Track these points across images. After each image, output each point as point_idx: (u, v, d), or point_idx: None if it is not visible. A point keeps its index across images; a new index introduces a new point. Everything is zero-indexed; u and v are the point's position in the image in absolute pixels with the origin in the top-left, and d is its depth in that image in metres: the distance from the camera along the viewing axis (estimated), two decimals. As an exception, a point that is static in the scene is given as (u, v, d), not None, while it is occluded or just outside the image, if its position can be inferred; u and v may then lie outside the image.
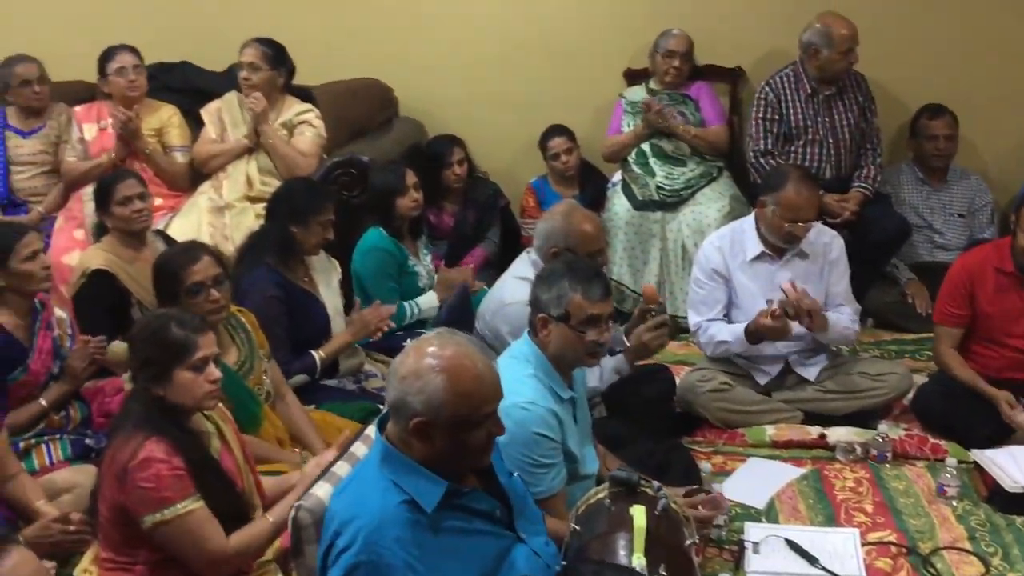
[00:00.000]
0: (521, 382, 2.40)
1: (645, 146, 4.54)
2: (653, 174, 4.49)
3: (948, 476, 3.05)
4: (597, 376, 3.06)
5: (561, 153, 4.66)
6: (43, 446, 3.04)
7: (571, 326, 2.45)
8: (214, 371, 2.37)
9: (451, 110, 4.92)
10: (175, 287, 2.86)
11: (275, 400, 3.10)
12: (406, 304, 3.77)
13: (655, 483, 2.26)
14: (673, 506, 2.24)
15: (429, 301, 3.82)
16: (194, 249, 2.99)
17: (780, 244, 3.39)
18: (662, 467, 2.89)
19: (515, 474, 2.12)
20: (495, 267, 4.32)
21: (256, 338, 3.08)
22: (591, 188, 4.69)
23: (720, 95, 4.71)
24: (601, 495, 2.24)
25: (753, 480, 3.16)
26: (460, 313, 3.51)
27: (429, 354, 1.87)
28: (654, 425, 3.23)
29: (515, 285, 3.12)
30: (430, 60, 4.90)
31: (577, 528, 2.17)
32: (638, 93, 4.63)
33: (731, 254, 3.45)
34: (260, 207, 4.08)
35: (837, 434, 3.35)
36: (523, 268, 3.18)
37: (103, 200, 3.50)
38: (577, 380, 2.60)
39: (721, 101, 4.69)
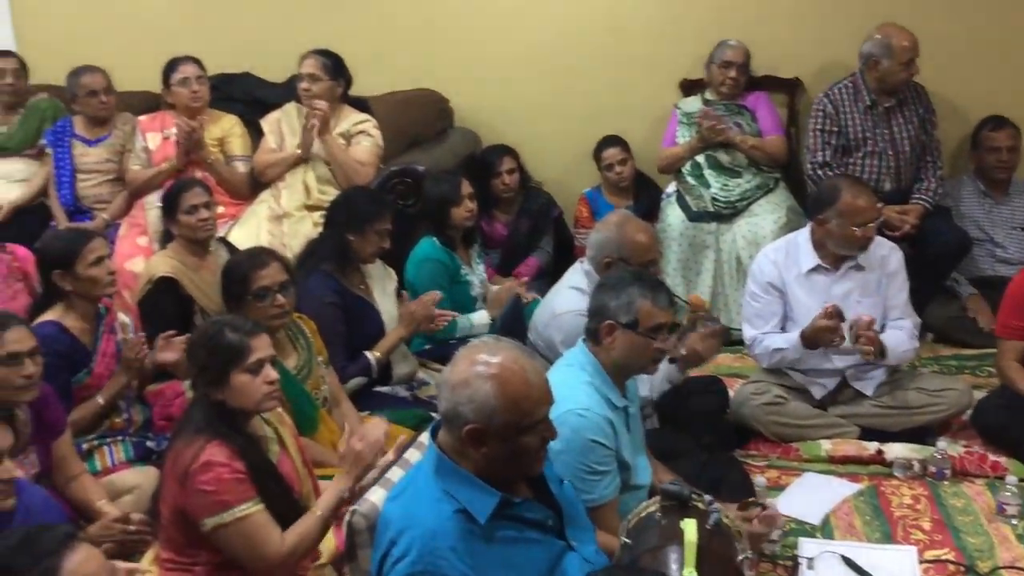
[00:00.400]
0: (576, 389, 2.41)
1: (700, 157, 4.52)
2: (708, 185, 4.47)
3: (1008, 494, 2.99)
4: (648, 385, 3.06)
5: (615, 164, 4.66)
6: (105, 448, 3.10)
7: (639, 333, 2.47)
8: (270, 372, 2.41)
9: (506, 120, 4.95)
10: (243, 291, 2.92)
11: (332, 406, 3.14)
12: (460, 319, 3.79)
13: (707, 496, 2.24)
14: (725, 520, 2.22)
15: (481, 318, 3.85)
16: (263, 255, 3.06)
17: (855, 252, 3.35)
18: (715, 480, 2.87)
19: (565, 481, 2.12)
20: (548, 277, 4.33)
21: (315, 344, 3.13)
22: (645, 199, 4.68)
23: (778, 106, 4.68)
24: (652, 508, 2.23)
25: (808, 495, 3.13)
26: (513, 323, 3.52)
27: (478, 362, 1.89)
28: (707, 438, 3.21)
29: (568, 295, 3.13)
30: (486, 71, 4.94)
31: (628, 542, 2.16)
32: (694, 104, 4.61)
33: (786, 267, 3.42)
34: (318, 215, 4.15)
35: (894, 450, 3.30)
36: (576, 278, 3.19)
37: (170, 208, 3.57)
38: (631, 390, 2.61)
39: (779, 112, 4.66)
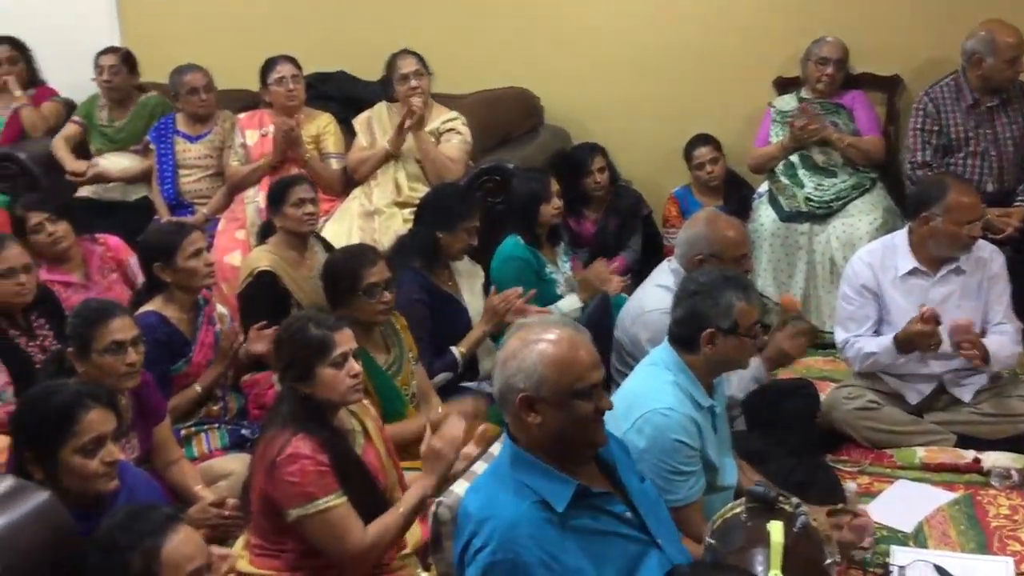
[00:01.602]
0: (661, 389, 2.39)
1: (794, 156, 4.43)
2: (802, 185, 4.38)
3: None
4: (734, 384, 3.02)
5: (706, 163, 4.61)
6: (202, 434, 3.21)
7: (740, 334, 2.45)
8: (354, 365, 2.46)
9: (596, 118, 4.93)
10: (351, 287, 2.98)
11: (420, 402, 3.18)
12: (548, 309, 3.79)
13: (794, 499, 2.21)
14: (813, 524, 2.18)
15: (571, 304, 3.82)
16: (368, 252, 3.12)
17: (958, 253, 3.25)
18: (804, 485, 2.81)
19: (647, 480, 2.12)
20: (636, 275, 4.30)
21: (406, 340, 3.18)
22: (735, 198, 4.62)
23: (876, 104, 4.56)
24: (738, 510, 2.20)
25: (901, 503, 3.05)
26: (600, 318, 3.50)
27: (522, 336, 1.93)
28: (796, 441, 3.16)
29: (656, 293, 3.11)
30: (576, 69, 4.93)
31: (713, 542, 2.14)
32: (789, 102, 4.53)
33: (882, 269, 3.34)
34: (408, 212, 4.21)
35: (992, 459, 3.19)
36: (664, 277, 3.17)
37: (277, 201, 3.63)
38: (718, 390, 2.58)
39: (876, 110, 4.54)
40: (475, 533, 1.85)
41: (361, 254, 3.10)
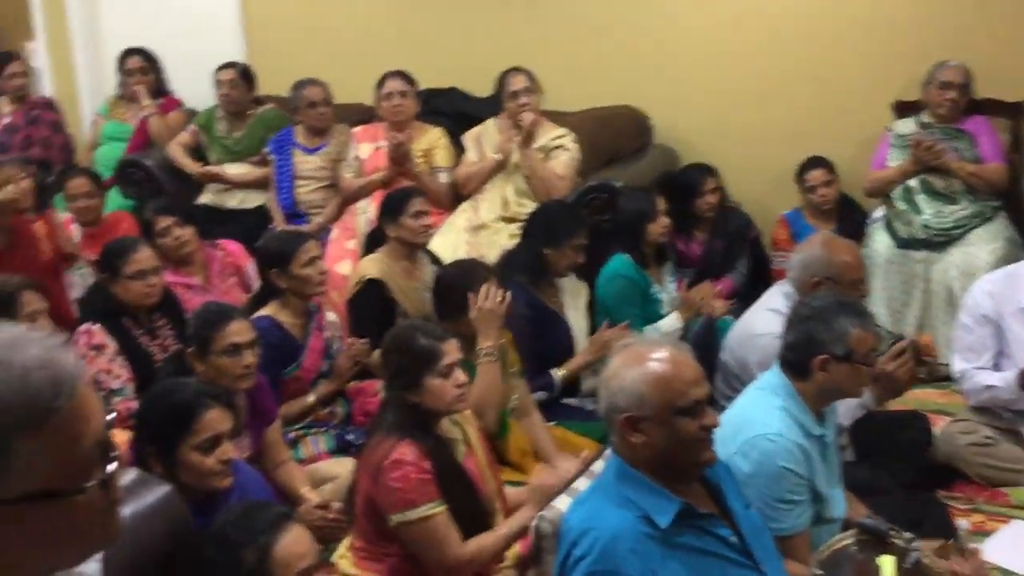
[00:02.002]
0: (769, 414, 2.35)
1: (913, 182, 4.30)
2: (919, 211, 4.25)
3: None
4: (840, 410, 2.94)
5: (819, 186, 4.52)
6: (309, 438, 3.28)
7: (855, 362, 2.39)
8: (460, 376, 2.49)
9: (705, 138, 4.88)
10: (463, 301, 3.01)
11: (521, 415, 3.19)
12: (647, 329, 3.77)
13: (906, 534, 2.14)
14: (926, 561, 2.11)
15: (671, 323, 3.80)
16: (482, 269, 3.16)
17: None
18: (914, 520, 2.70)
19: (752, 506, 2.08)
20: (742, 299, 4.24)
21: (509, 356, 3.19)
22: (849, 223, 4.50)
23: (999, 131, 4.40)
24: (847, 542, 2.15)
25: (1017, 544, 2.92)
26: (705, 340, 3.47)
27: (622, 357, 1.93)
28: (907, 475, 3.06)
29: (766, 316, 3.06)
30: (688, 88, 4.90)
31: (820, 574, 2.09)
32: (908, 126, 4.40)
33: (1004, 300, 3.21)
34: (515, 227, 4.24)
35: (1119, 503, 3.04)
36: (775, 300, 3.12)
37: (395, 211, 3.68)
38: (828, 418, 2.52)
39: (1000, 137, 4.37)
40: (575, 543, 1.86)
41: (473, 270, 3.14)
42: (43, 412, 0.96)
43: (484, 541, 2.42)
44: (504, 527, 2.45)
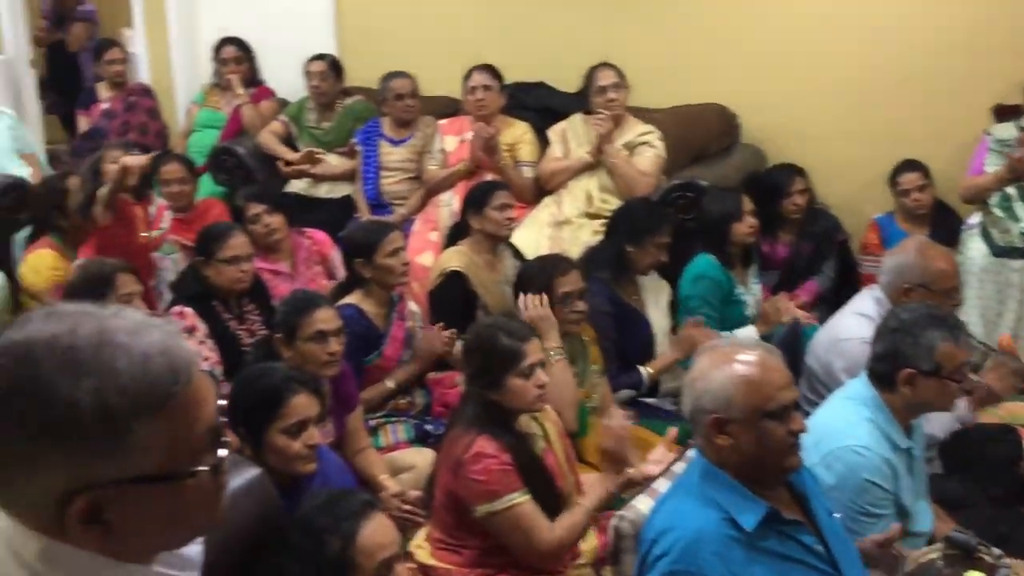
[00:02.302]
0: (856, 425, 2.31)
1: (1011, 188, 4.15)
2: (1018, 219, 4.10)
3: None
4: (936, 423, 2.87)
5: (913, 190, 4.40)
6: (389, 426, 3.32)
7: (943, 377, 2.33)
8: (542, 376, 2.49)
9: (795, 138, 4.80)
10: (548, 293, 3.01)
11: (602, 414, 3.17)
12: (724, 335, 3.72)
13: (995, 550, 2.08)
14: (1016, 579, 2.06)
15: (748, 334, 3.75)
16: (563, 262, 3.15)
17: None
18: (1003, 536, 2.63)
19: (836, 515, 2.05)
20: (828, 303, 4.16)
21: (592, 353, 3.19)
22: (943, 229, 4.37)
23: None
24: (934, 555, 2.10)
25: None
26: (790, 344, 3.41)
27: (709, 358, 1.91)
28: (997, 489, 2.96)
29: (854, 321, 3.00)
30: (777, 87, 4.82)
31: (905, 587, 2.05)
32: (1008, 131, 4.25)
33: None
34: (598, 223, 4.23)
35: None
36: (864, 304, 3.06)
37: (479, 203, 3.70)
38: (916, 430, 2.46)
39: (1104, 144, 4.21)
40: (655, 542, 1.85)
41: (555, 263, 3.14)
42: (162, 396, 0.99)
43: (572, 519, 2.43)
44: (587, 498, 2.46)
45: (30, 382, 0.96)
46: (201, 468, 1.04)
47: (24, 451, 0.97)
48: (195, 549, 1.18)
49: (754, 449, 1.85)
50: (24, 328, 1.00)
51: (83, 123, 5.65)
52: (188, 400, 1.01)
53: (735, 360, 1.88)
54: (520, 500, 2.37)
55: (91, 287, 2.95)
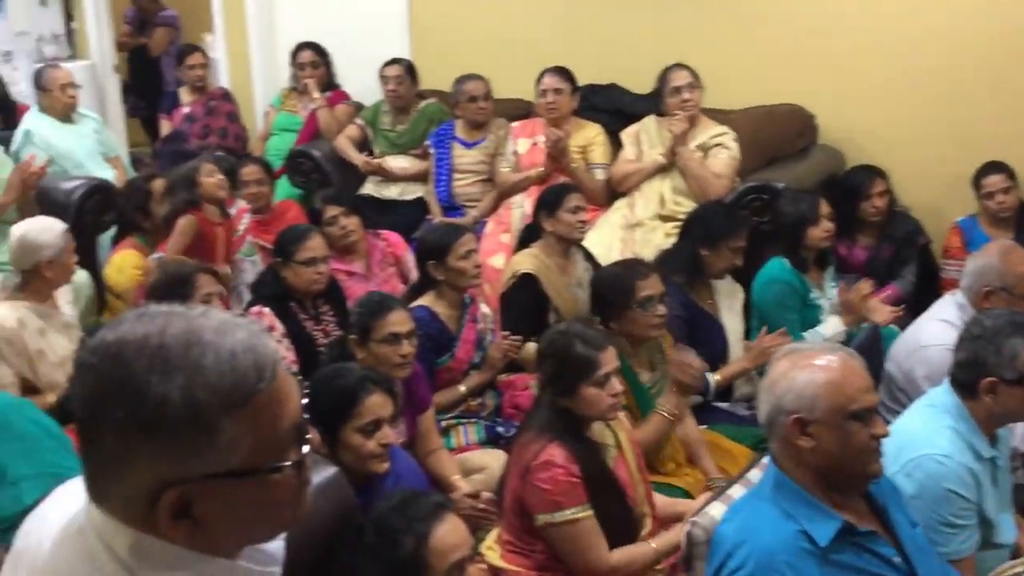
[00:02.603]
0: (938, 433, 2.25)
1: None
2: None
3: None
4: (1018, 433, 2.78)
5: (997, 192, 4.27)
6: (461, 427, 3.34)
7: None
8: (616, 385, 2.47)
9: (874, 139, 4.69)
10: (626, 300, 2.97)
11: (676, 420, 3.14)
12: (807, 335, 3.66)
13: (1083, 565, 2.02)
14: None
15: (834, 327, 3.66)
16: (641, 266, 3.11)
17: None
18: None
19: (918, 526, 2.00)
20: (908, 308, 4.06)
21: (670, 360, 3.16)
22: (1028, 232, 4.25)
23: None
24: (1019, 569, 2.05)
25: None
26: (869, 349, 3.34)
27: (789, 360, 1.88)
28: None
29: (936, 328, 2.93)
30: (857, 86, 4.71)
31: (988, 601, 2.00)
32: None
33: None
34: (670, 226, 4.20)
35: None
36: (947, 310, 2.98)
37: (552, 205, 3.69)
38: (1001, 439, 2.39)
39: None
40: (730, 555, 1.83)
41: (635, 267, 3.09)
42: (247, 393, 1.01)
43: (633, 553, 2.41)
44: (656, 541, 2.44)
45: (122, 380, 0.99)
46: (285, 464, 1.06)
47: (117, 447, 1.00)
48: (277, 545, 1.20)
49: (837, 451, 1.82)
50: (117, 328, 1.04)
51: (165, 127, 5.80)
52: (272, 397, 1.04)
53: (818, 361, 1.86)
54: (581, 516, 2.35)
55: (172, 287, 3.03)
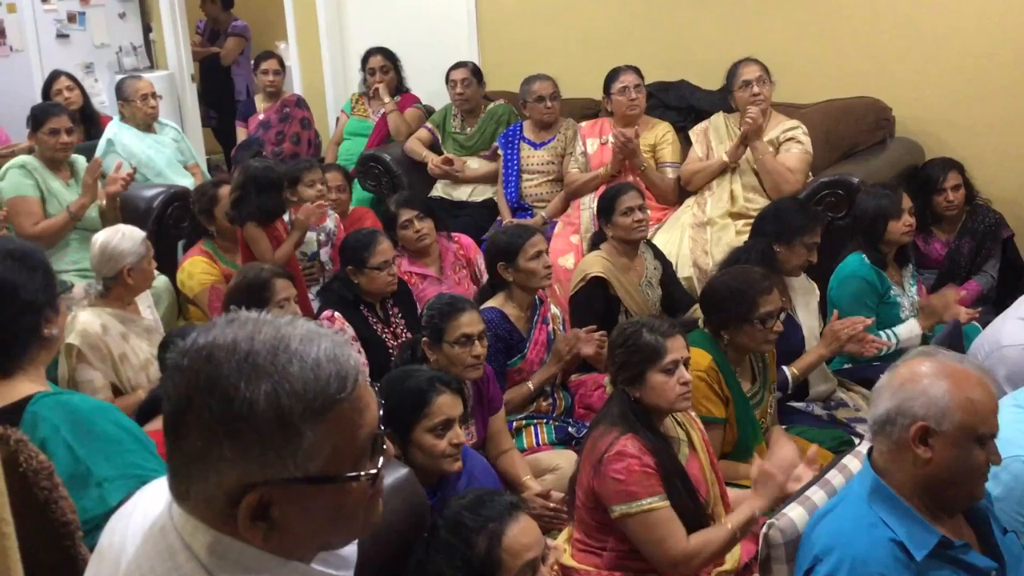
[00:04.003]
0: (1024, 434, 2.18)
1: None
2: None
3: None
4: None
5: (1084, 183, 4.13)
6: (531, 428, 3.34)
7: None
8: (684, 373, 2.46)
9: (954, 131, 4.57)
10: (746, 313, 2.88)
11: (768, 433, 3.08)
12: (883, 332, 3.58)
13: None
14: None
15: (910, 330, 3.58)
16: (765, 279, 2.96)
17: None
18: None
19: (1010, 532, 1.94)
20: (991, 303, 3.95)
21: (771, 373, 3.10)
22: (1119, 224, 4.10)
23: None
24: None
25: None
26: (950, 347, 3.24)
27: (925, 364, 1.80)
28: None
29: (1016, 326, 2.84)
30: (935, 77, 4.59)
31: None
32: None
33: None
34: (742, 224, 4.14)
35: None
36: (1028, 308, 2.89)
37: (607, 210, 3.71)
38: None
39: None
40: (819, 560, 1.79)
41: (758, 281, 2.96)
42: (329, 401, 1.04)
43: (710, 535, 2.38)
44: (731, 519, 2.40)
45: (211, 382, 1.03)
46: (363, 473, 1.08)
47: (202, 447, 1.04)
48: (350, 549, 1.22)
49: (951, 468, 1.76)
50: (209, 333, 1.08)
51: (241, 134, 5.93)
52: (353, 407, 1.07)
53: (958, 373, 1.78)
54: (658, 505, 2.34)
55: (250, 292, 3.09)
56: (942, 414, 1.75)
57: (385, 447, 1.11)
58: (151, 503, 1.18)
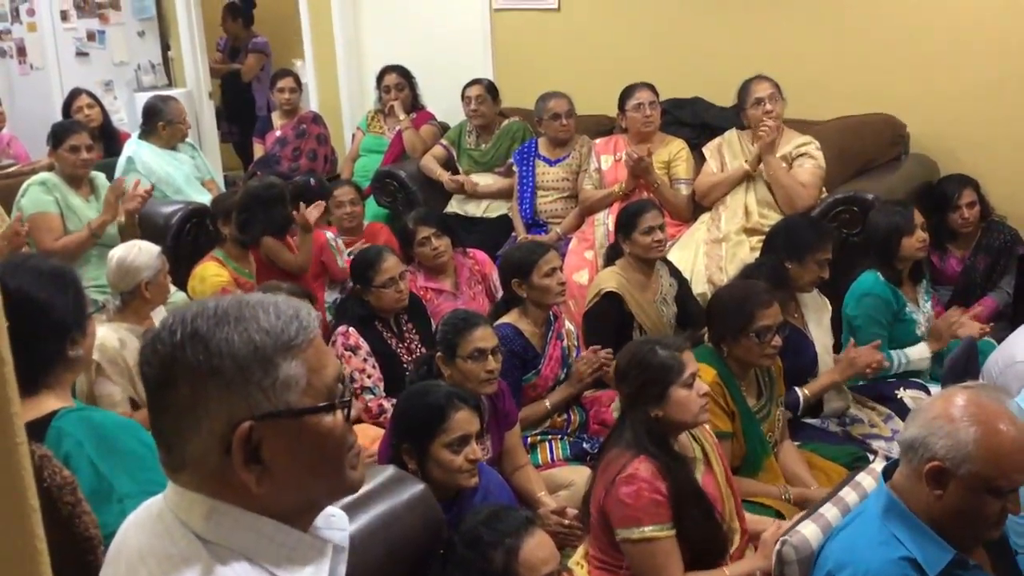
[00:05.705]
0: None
1: None
2: None
3: None
4: None
5: (1099, 200, 4.13)
6: (546, 444, 3.35)
7: None
8: (702, 385, 2.47)
9: (969, 148, 4.55)
10: (744, 326, 2.88)
11: (777, 443, 3.09)
12: (893, 353, 3.57)
13: None
14: None
15: (920, 352, 3.58)
16: (766, 293, 2.97)
17: None
18: None
19: (1019, 554, 1.94)
20: (1006, 320, 3.94)
21: (778, 387, 3.09)
22: None
23: None
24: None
25: None
26: (964, 365, 3.25)
27: (966, 402, 1.78)
28: None
29: (1032, 342, 2.85)
30: (949, 93, 4.58)
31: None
32: None
33: None
34: (756, 240, 4.15)
35: None
36: (1045, 325, 2.89)
37: (627, 227, 3.70)
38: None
39: None
40: (832, 575, 1.80)
41: (757, 294, 2.96)
42: (297, 340, 1.16)
43: None
44: (731, 568, 2.40)
45: (191, 337, 1.14)
46: (334, 403, 1.18)
47: (191, 393, 1.13)
48: (339, 535, 1.26)
49: (960, 511, 1.77)
50: (174, 314, 1.19)
51: (258, 150, 5.98)
52: (317, 348, 1.18)
53: (994, 421, 1.76)
54: (660, 535, 2.32)
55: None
56: (962, 459, 1.73)
57: (353, 392, 1.20)
58: (150, 502, 1.24)
